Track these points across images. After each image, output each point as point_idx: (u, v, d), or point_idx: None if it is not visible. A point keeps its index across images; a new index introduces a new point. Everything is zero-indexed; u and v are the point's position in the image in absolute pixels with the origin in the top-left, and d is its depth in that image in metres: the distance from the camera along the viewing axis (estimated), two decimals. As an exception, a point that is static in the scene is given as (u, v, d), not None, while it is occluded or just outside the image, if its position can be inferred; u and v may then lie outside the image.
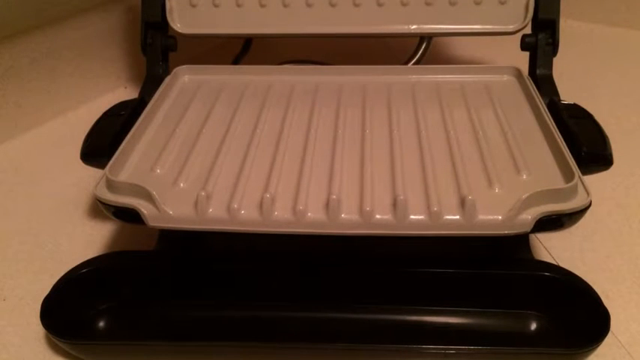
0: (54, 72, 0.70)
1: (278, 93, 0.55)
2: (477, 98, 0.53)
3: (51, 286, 0.43)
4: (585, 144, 0.45)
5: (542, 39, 0.56)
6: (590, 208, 0.40)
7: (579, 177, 0.41)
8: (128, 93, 0.76)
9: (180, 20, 0.60)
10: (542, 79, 0.55)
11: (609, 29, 0.86)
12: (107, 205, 0.42)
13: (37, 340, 0.45)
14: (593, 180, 0.44)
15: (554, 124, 0.47)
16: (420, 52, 0.66)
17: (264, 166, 0.45)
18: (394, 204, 0.40)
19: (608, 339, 0.40)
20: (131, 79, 0.78)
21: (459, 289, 0.44)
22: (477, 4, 0.57)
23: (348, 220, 0.40)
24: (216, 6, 0.59)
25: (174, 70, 0.58)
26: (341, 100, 0.53)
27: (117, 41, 0.75)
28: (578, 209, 0.39)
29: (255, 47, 0.70)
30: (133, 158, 0.47)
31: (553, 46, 0.56)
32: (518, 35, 0.58)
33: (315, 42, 0.69)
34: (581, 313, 0.41)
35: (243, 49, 0.70)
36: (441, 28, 0.59)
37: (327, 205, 0.40)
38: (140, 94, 0.57)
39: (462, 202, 0.40)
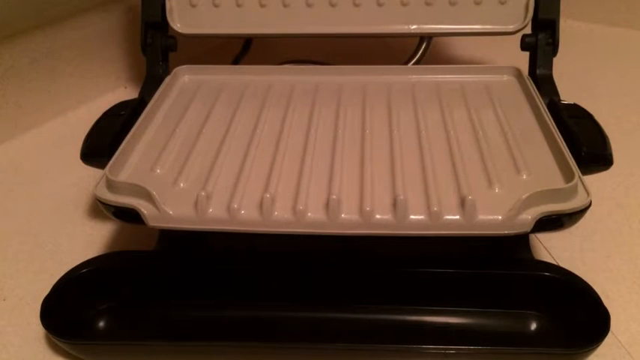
0: (54, 72, 0.70)
1: (278, 93, 0.55)
2: (477, 98, 0.53)
3: (51, 286, 0.43)
4: (585, 144, 0.45)
5: (542, 39, 0.56)
6: (590, 208, 0.40)
7: (579, 177, 0.41)
8: (128, 93, 0.76)
9: (180, 20, 0.60)
10: (542, 79, 0.55)
11: (609, 29, 0.86)
12: (107, 205, 0.42)
13: (37, 340, 0.45)
14: (593, 180, 0.44)
15: (554, 124, 0.47)
16: (420, 52, 0.66)
17: (264, 166, 0.45)
18: (394, 204, 0.40)
19: (608, 339, 0.40)
20: (131, 79, 0.78)
21: (459, 289, 0.44)
22: (477, 4, 0.57)
23: (348, 220, 0.40)
24: (216, 6, 0.59)
25: (174, 70, 0.58)
26: (341, 100, 0.53)
27: (117, 41, 0.75)
28: (578, 209, 0.39)
29: (255, 47, 0.70)
30: (133, 158, 0.47)
31: (553, 46, 0.56)
32: (518, 35, 0.58)
33: (315, 42, 0.69)
34: (581, 313, 0.41)
35: (243, 49, 0.70)
36: (441, 28, 0.59)
37: (327, 205, 0.40)
38: (140, 94, 0.57)
39: (462, 202, 0.40)
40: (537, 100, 0.50)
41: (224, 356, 0.42)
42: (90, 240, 0.55)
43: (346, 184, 0.43)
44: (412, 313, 0.44)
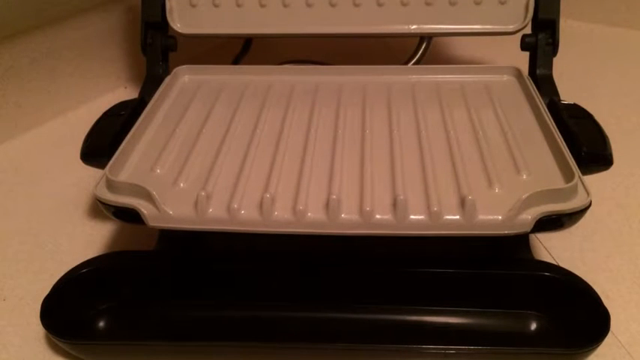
0: (54, 72, 0.70)
1: (278, 93, 0.55)
2: (477, 98, 0.53)
3: (51, 286, 0.43)
4: (585, 144, 0.45)
5: (542, 39, 0.56)
6: (590, 208, 0.40)
7: (579, 177, 0.41)
8: (128, 93, 0.76)
9: (180, 20, 0.60)
10: (542, 79, 0.55)
11: (609, 29, 0.86)
12: (107, 205, 0.42)
13: (37, 340, 0.45)
14: (593, 180, 0.44)
15: (554, 124, 0.47)
16: (420, 52, 0.66)
17: (264, 166, 0.45)
18: (394, 204, 0.40)
19: (608, 339, 0.40)
20: (131, 79, 0.78)
21: (459, 289, 0.44)
22: (477, 4, 0.57)
23: (348, 220, 0.40)
24: (216, 6, 0.59)
25: (174, 70, 0.58)
26: (341, 100, 0.53)
27: (117, 41, 0.75)
28: (578, 209, 0.39)
29: (255, 47, 0.70)
30: (133, 158, 0.47)
31: (553, 46, 0.56)
32: (518, 35, 0.58)
33: (315, 42, 0.69)
34: (581, 313, 0.41)
35: (243, 49, 0.70)
36: (441, 28, 0.59)
37: (327, 205, 0.40)
38: (140, 94, 0.57)
39: (462, 202, 0.40)
40: (537, 100, 0.50)
41: (224, 356, 0.42)
42: (90, 240, 0.55)
43: (346, 184, 0.43)
44: (412, 313, 0.44)
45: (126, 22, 0.74)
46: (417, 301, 0.44)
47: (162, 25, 0.60)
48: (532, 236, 0.52)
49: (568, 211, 0.39)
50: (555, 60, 0.57)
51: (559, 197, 0.39)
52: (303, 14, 0.59)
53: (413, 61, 0.66)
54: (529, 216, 0.39)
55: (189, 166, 0.45)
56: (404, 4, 0.58)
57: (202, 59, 0.63)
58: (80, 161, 0.49)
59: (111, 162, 0.44)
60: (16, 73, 0.66)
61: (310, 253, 0.45)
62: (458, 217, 0.39)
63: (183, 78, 0.59)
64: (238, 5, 0.59)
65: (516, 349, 0.40)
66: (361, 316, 0.44)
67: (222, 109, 0.53)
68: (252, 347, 0.41)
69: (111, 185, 0.42)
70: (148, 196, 0.41)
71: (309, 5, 0.59)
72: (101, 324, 0.45)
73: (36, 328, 0.45)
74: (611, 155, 0.45)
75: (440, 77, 0.57)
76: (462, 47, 0.82)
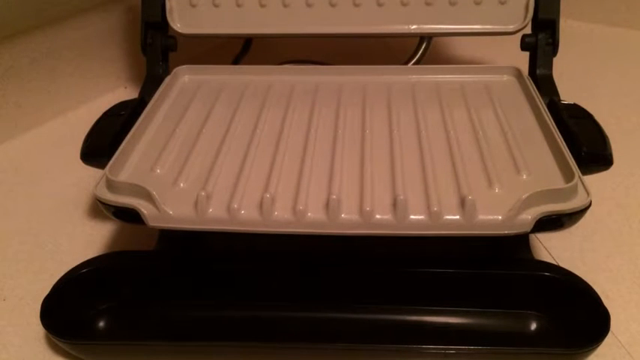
0: (54, 72, 0.70)
1: (278, 93, 0.55)
2: (477, 98, 0.53)
3: (51, 286, 0.43)
4: (585, 144, 0.45)
5: (542, 39, 0.56)
6: (590, 208, 0.40)
7: (579, 177, 0.41)
8: (128, 93, 0.76)
9: (180, 20, 0.60)
10: (542, 79, 0.55)
11: (609, 29, 0.86)
12: (107, 205, 0.42)
13: (37, 340, 0.45)
14: (593, 180, 0.44)
15: (554, 124, 0.47)
16: (420, 52, 0.66)
17: (264, 166, 0.45)
18: (394, 204, 0.40)
19: (608, 339, 0.40)
20: (131, 79, 0.78)
21: (459, 289, 0.44)
22: (477, 4, 0.57)
23: (348, 220, 0.40)
24: (216, 6, 0.59)
25: (174, 70, 0.58)
26: (341, 100, 0.53)
27: (117, 41, 0.75)
28: (578, 209, 0.39)
29: (255, 47, 0.70)
30: (133, 158, 0.47)
31: (553, 46, 0.56)
32: (518, 35, 0.58)
33: (315, 42, 0.69)
34: (581, 313, 0.41)
35: (243, 49, 0.70)
36: (441, 28, 0.59)
37: (327, 205, 0.40)
38: (140, 94, 0.57)
39: (462, 202, 0.40)
40: (537, 100, 0.50)
41: (224, 356, 0.42)
42: (90, 240, 0.55)
43: (346, 184, 0.43)
44: (412, 313, 0.44)
45: (126, 22, 0.74)
46: (417, 301, 0.44)
47: (163, 25, 0.60)
48: (532, 236, 0.52)
49: (568, 211, 0.39)
50: (555, 60, 0.57)
51: (559, 197, 0.39)
52: (303, 14, 0.59)
53: (413, 61, 0.66)
54: (529, 216, 0.39)
55: (189, 166, 0.45)
56: (404, 4, 0.58)
57: (202, 59, 0.63)
58: (80, 161, 0.49)
59: (111, 162, 0.44)
60: (16, 73, 0.66)
61: (310, 253, 0.45)
62: (458, 217, 0.39)
63: (183, 78, 0.59)
64: (238, 5, 0.59)
65: (516, 349, 0.40)
66: (361, 316, 0.44)
67: (222, 109, 0.53)
68: (252, 347, 0.41)
69: (111, 185, 0.42)
70: (148, 196, 0.41)
71: (309, 5, 0.59)
72: (101, 324, 0.45)
73: (36, 328, 0.45)
74: (611, 155, 0.45)
75: (440, 77, 0.57)
76: (462, 47, 0.82)
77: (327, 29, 0.59)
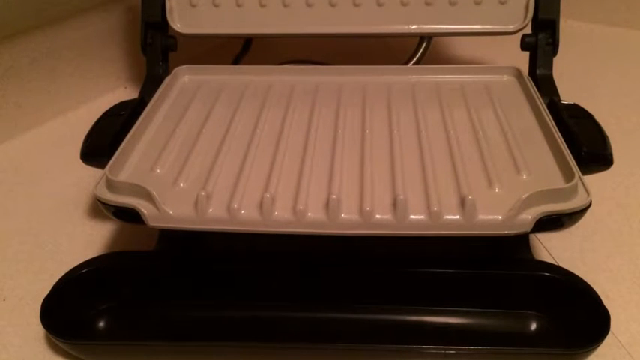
0: (54, 72, 0.70)
1: (278, 93, 0.55)
2: (477, 98, 0.53)
3: (51, 286, 0.43)
4: (585, 144, 0.45)
5: (542, 39, 0.56)
6: (590, 208, 0.40)
7: (579, 177, 0.41)
8: (128, 93, 0.76)
9: (180, 20, 0.60)
10: (542, 79, 0.55)
11: (609, 29, 0.86)
12: (107, 205, 0.42)
13: (37, 340, 0.45)
14: (593, 180, 0.44)
15: (554, 124, 0.47)
16: (420, 52, 0.66)
17: (264, 166, 0.45)
18: (394, 204, 0.40)
19: (608, 339, 0.40)
20: (131, 79, 0.78)
21: (459, 289, 0.44)
22: (477, 4, 0.57)
23: (348, 220, 0.40)
24: (216, 6, 0.59)
25: (174, 70, 0.58)
26: (341, 100, 0.53)
27: (117, 41, 0.75)
28: (578, 209, 0.39)
29: (255, 47, 0.70)
30: (133, 158, 0.47)
31: (553, 46, 0.56)
32: (518, 35, 0.58)
33: (315, 42, 0.69)
34: (581, 313, 0.41)
35: (243, 49, 0.70)
36: (441, 28, 0.59)
37: (327, 205, 0.40)
38: (140, 94, 0.57)
39: (462, 202, 0.40)
40: (537, 100, 0.50)
41: (224, 356, 0.42)
42: (90, 240, 0.55)
43: (346, 184, 0.43)
44: (412, 313, 0.44)
45: (126, 22, 0.74)
46: (417, 301, 0.44)
47: (163, 25, 0.60)
48: (532, 236, 0.52)
49: (568, 211, 0.39)
50: (555, 60, 0.57)
51: (559, 197, 0.39)
52: (303, 14, 0.59)
53: (413, 61, 0.66)
54: (529, 216, 0.39)
55: (189, 166, 0.45)
56: (404, 4, 0.58)
57: (202, 59, 0.63)
58: (80, 161, 0.49)
59: (111, 162, 0.44)
60: (16, 73, 0.66)
61: (310, 253, 0.45)
62: (458, 217, 0.39)
63: (183, 78, 0.59)
64: (238, 5, 0.59)
65: (516, 349, 0.40)
66: (361, 316, 0.44)
67: (222, 109, 0.53)
68: (252, 347, 0.41)
69: (111, 185, 0.42)
70: (148, 196, 0.41)
71: (309, 5, 0.59)
72: (101, 324, 0.45)
73: (36, 328, 0.45)
74: (611, 155, 0.45)
75: (440, 77, 0.57)
76: (461, 47, 0.82)
77: (327, 29, 0.59)
